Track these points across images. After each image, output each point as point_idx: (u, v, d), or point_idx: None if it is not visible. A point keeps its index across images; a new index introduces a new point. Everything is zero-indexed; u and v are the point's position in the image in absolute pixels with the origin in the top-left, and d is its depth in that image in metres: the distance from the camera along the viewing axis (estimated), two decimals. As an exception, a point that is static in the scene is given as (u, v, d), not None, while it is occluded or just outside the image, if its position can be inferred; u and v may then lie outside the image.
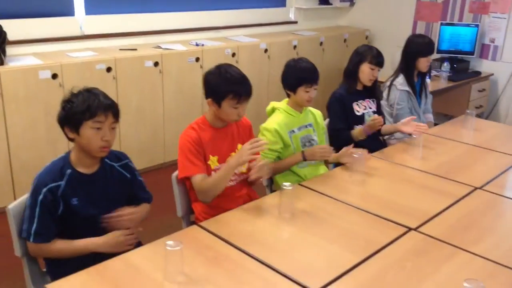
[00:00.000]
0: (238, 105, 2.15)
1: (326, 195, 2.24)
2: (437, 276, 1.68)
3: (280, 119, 2.53)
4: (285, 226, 2.00)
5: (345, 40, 5.78)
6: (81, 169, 1.87)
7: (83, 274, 1.61)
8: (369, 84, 3.03)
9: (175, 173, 2.27)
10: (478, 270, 1.72)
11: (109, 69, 3.83)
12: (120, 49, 4.15)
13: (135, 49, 4.16)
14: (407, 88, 3.42)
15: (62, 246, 1.83)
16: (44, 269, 2.00)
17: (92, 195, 1.87)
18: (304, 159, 2.52)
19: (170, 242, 1.57)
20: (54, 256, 1.84)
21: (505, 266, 1.74)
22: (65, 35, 4.06)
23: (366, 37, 6.09)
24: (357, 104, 3.04)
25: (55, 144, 3.60)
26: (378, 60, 2.99)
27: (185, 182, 2.26)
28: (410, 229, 1.97)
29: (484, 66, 5.34)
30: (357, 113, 3.04)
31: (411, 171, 2.59)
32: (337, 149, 2.63)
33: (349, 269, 1.69)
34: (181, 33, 4.80)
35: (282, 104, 2.60)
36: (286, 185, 2.03)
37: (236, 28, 5.24)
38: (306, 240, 1.88)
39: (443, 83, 4.74)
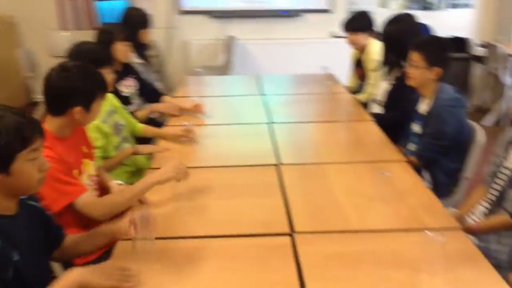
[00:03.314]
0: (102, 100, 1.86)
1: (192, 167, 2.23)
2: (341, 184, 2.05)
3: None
4: (201, 200, 1.95)
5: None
6: (2, 212, 1.29)
7: None
8: (127, 60, 2.99)
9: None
10: (353, 169, 2.19)
11: None
12: None
13: None
14: (141, 60, 3.50)
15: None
16: None
17: (22, 243, 1.31)
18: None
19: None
20: None
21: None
22: None
23: (14, 24, 5.50)
24: (123, 86, 2.93)
25: None
26: (126, 35, 2.94)
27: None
28: (276, 165, 2.23)
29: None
30: (126, 94, 2.94)
31: (215, 127, 2.82)
32: None
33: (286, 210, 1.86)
34: None
35: None
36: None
37: None
38: (227, 203, 1.92)
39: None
